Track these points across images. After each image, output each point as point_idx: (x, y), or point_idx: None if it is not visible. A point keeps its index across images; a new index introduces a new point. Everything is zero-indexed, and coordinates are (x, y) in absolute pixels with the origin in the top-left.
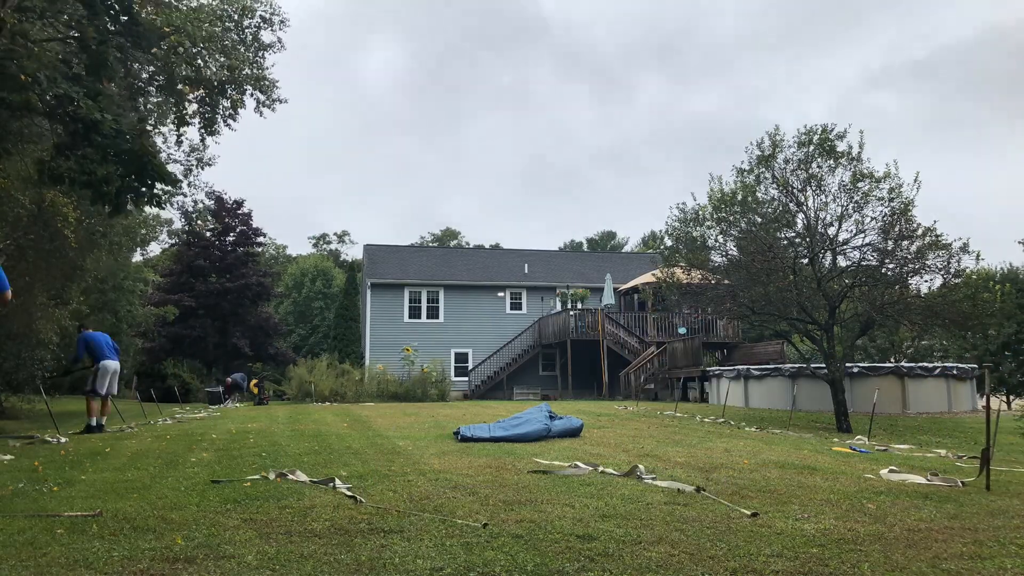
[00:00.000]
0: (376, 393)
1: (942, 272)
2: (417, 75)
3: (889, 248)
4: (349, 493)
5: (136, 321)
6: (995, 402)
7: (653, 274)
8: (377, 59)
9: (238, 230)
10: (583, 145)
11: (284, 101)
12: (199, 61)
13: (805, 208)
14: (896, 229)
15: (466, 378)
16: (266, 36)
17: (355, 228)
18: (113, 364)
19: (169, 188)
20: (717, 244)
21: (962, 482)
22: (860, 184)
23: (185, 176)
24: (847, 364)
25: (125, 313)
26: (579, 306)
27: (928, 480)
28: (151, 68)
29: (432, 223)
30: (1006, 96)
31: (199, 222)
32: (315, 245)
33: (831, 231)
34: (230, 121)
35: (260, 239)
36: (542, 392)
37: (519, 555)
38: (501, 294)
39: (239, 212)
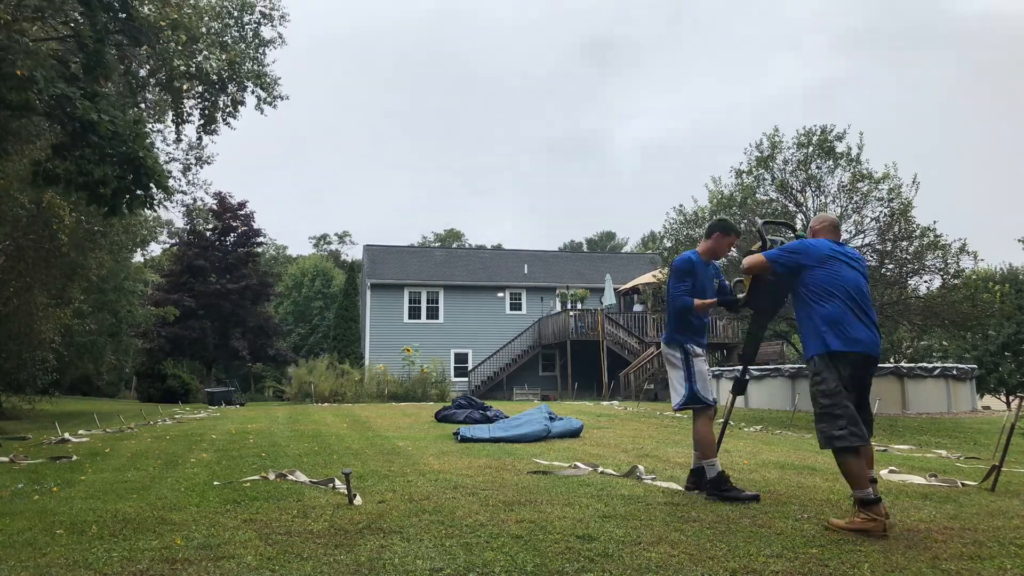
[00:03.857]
0: (376, 393)
1: (941, 272)
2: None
3: (888, 249)
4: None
5: (136, 321)
6: (998, 404)
7: (653, 275)
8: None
9: (239, 230)
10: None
11: (286, 98)
12: (198, 58)
13: (804, 209)
14: (895, 230)
15: (466, 378)
16: (266, 32)
17: (356, 228)
18: None
19: (162, 195)
20: None
21: (962, 483)
22: (860, 185)
23: (184, 174)
24: None
25: (125, 313)
26: (579, 306)
27: (928, 481)
28: (149, 65)
29: (435, 223)
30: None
31: (199, 220)
32: (315, 245)
33: None
34: (230, 119)
35: (261, 239)
36: (542, 392)
37: (519, 555)
38: (501, 294)
39: (241, 212)
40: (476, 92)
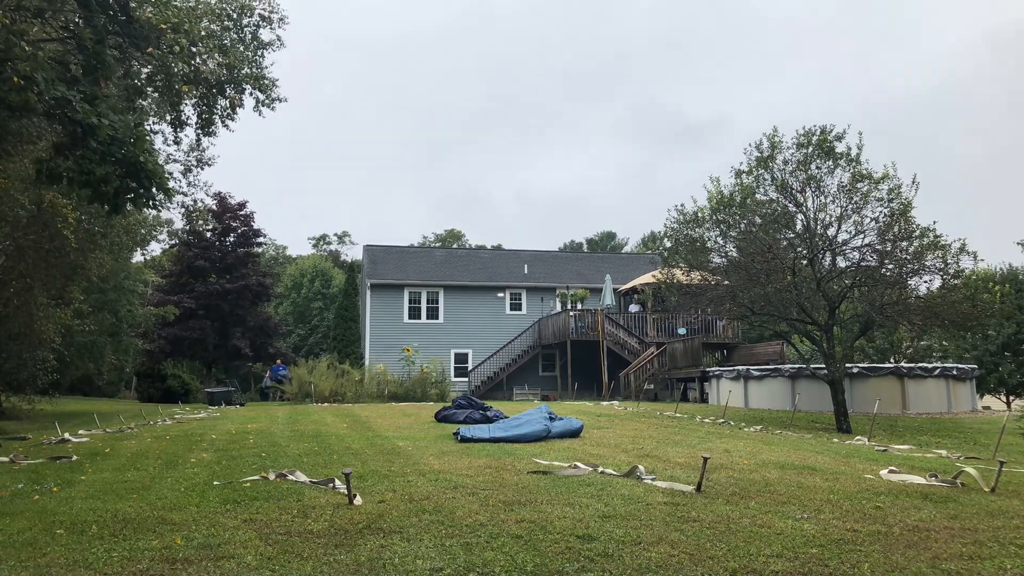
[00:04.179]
0: (376, 394)
1: (940, 273)
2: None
3: (888, 249)
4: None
5: (136, 321)
6: (998, 404)
7: (653, 275)
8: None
9: (239, 231)
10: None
11: (284, 100)
12: (197, 60)
13: (804, 209)
14: (894, 230)
15: (466, 379)
16: (265, 34)
17: (356, 228)
18: None
19: (163, 196)
20: (716, 245)
21: (961, 483)
22: (859, 185)
23: (184, 175)
24: (847, 365)
25: (125, 313)
26: (579, 307)
27: (928, 480)
28: (149, 68)
29: (436, 223)
30: None
31: (200, 222)
32: (315, 246)
33: (830, 232)
34: (228, 122)
35: (260, 239)
36: (542, 392)
37: (519, 555)
38: (501, 295)
39: (240, 213)
40: (477, 88)
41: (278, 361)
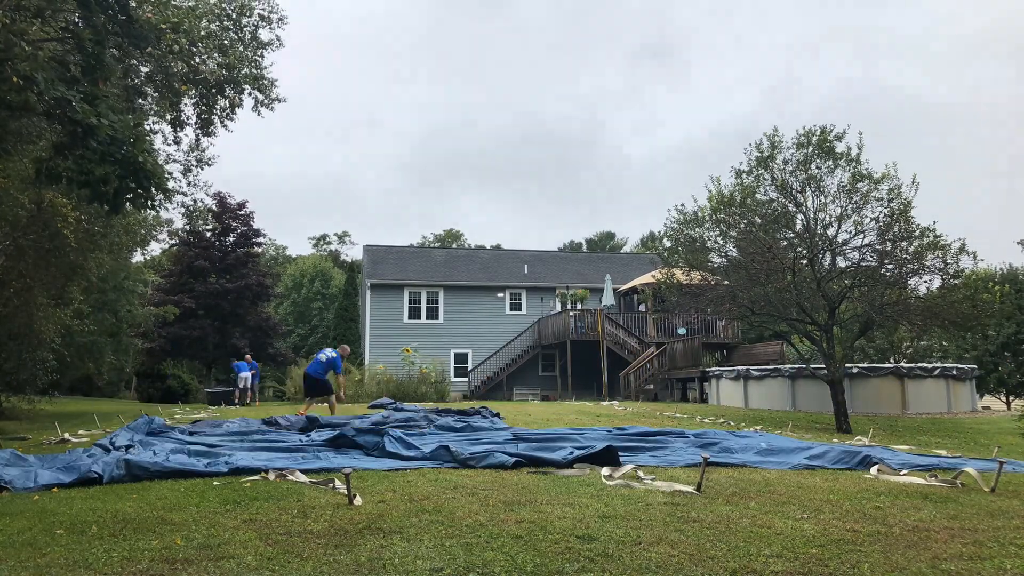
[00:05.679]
0: (376, 394)
1: (940, 273)
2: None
3: (888, 249)
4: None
5: (136, 321)
6: (998, 404)
7: (653, 275)
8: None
9: (239, 231)
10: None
11: (283, 100)
12: (196, 60)
13: (804, 209)
14: (894, 230)
15: (465, 379)
16: (264, 34)
17: (356, 228)
18: None
19: (162, 196)
20: (716, 245)
21: (961, 483)
22: (859, 185)
23: (184, 175)
24: (846, 365)
25: (125, 313)
26: (579, 307)
27: (928, 481)
28: (148, 68)
29: (436, 223)
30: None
31: (200, 222)
32: (315, 245)
33: (830, 232)
34: (227, 121)
35: (260, 239)
36: (542, 393)
37: (519, 555)
38: (501, 295)
39: (240, 213)
40: (477, 90)
41: (247, 358)
